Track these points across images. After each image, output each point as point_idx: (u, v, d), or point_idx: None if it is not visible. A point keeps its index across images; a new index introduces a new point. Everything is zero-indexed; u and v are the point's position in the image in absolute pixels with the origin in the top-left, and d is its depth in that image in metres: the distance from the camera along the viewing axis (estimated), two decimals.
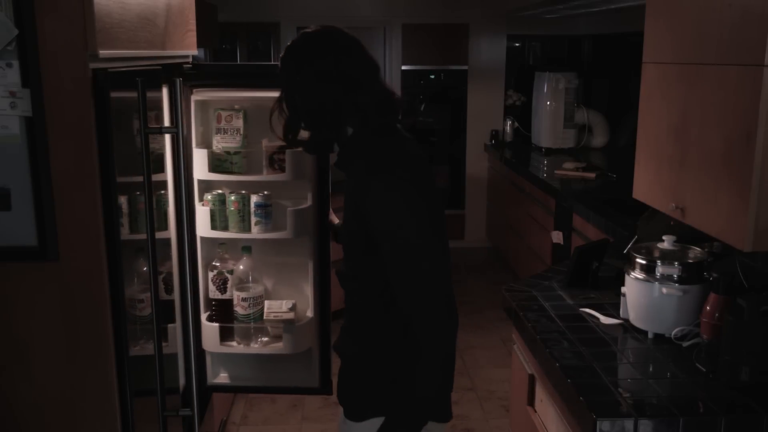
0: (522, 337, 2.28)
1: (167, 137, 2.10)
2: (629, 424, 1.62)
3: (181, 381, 2.33)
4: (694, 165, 1.93)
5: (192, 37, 2.46)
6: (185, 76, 2.30)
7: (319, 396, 3.74)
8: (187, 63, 2.42)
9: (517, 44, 6.48)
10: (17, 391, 1.55)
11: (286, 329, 2.50)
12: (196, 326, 2.34)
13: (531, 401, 2.29)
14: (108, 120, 1.52)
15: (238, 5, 5.81)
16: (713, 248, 2.22)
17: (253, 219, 2.43)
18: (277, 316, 2.53)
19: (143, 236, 1.77)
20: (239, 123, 2.42)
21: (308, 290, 2.58)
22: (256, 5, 5.91)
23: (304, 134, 1.72)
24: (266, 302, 2.56)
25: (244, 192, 2.47)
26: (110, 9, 1.55)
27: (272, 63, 5.79)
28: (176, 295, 2.29)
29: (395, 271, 1.57)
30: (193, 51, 2.46)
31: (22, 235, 1.50)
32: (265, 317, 2.53)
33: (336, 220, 2.34)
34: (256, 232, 2.45)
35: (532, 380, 2.27)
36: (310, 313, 2.58)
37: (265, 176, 2.44)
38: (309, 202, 2.46)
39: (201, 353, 2.54)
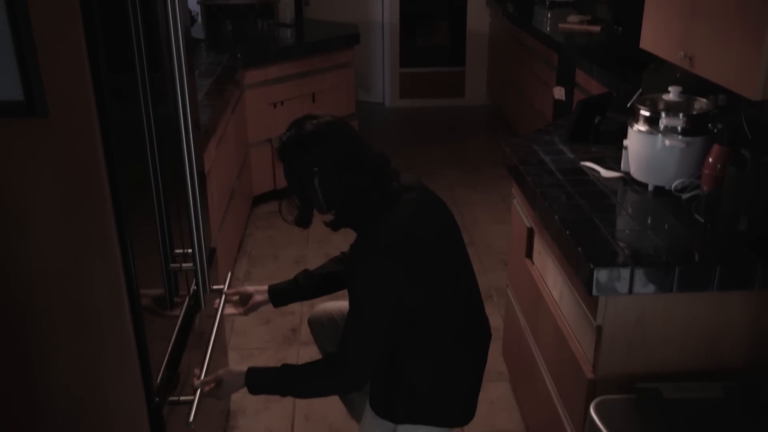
0: (522, 191, 2.28)
1: None
2: (625, 273, 1.64)
3: None
4: (705, 13, 1.84)
5: None
6: None
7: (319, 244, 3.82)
8: None
9: None
10: (14, 257, 1.54)
11: None
12: (201, 184, 2.32)
13: (529, 253, 2.33)
14: None
15: None
16: (719, 101, 2.17)
17: None
18: None
19: None
20: None
21: None
22: None
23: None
24: None
25: None
26: None
27: None
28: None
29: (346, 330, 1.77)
30: None
31: (8, 90, 1.44)
32: None
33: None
34: None
35: (530, 233, 2.30)
36: None
37: None
38: None
39: (204, 208, 2.51)
